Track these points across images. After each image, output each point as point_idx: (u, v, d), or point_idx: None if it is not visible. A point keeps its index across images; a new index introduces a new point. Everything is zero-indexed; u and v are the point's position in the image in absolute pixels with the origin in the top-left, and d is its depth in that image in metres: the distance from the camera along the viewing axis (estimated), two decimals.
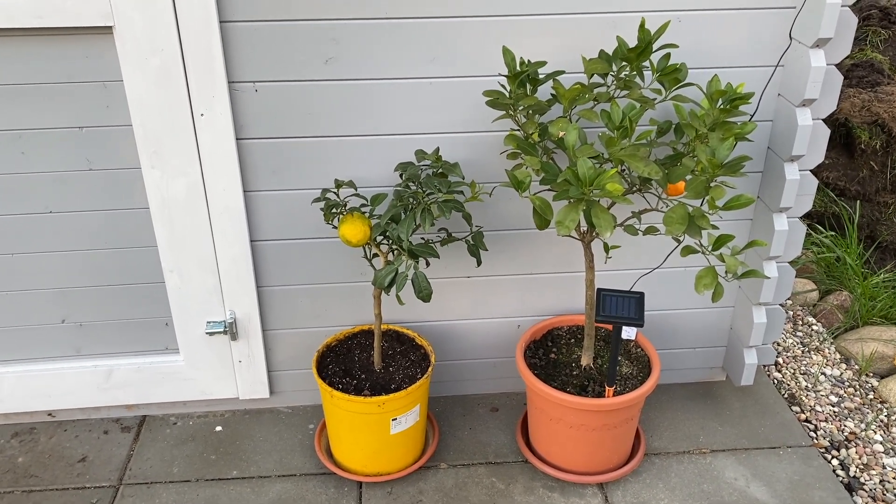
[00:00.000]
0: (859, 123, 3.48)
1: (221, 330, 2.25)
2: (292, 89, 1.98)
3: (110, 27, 1.86)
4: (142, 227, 2.15)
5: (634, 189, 1.80)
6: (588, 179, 1.52)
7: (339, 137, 2.06)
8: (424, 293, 1.80)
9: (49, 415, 2.42)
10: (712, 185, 1.64)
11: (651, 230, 1.77)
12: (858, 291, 2.98)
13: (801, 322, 2.96)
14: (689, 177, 1.69)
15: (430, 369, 2.11)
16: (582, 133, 1.71)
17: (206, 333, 2.25)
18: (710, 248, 1.71)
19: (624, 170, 1.76)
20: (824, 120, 2.12)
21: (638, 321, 1.82)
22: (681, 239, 1.65)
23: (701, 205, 1.68)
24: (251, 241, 2.17)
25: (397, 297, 1.80)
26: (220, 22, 1.88)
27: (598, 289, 1.88)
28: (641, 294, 1.87)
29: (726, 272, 1.70)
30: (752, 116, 2.04)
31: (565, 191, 1.53)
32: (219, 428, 2.40)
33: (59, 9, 1.81)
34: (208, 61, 1.91)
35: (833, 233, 3.24)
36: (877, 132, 3.41)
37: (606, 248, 1.65)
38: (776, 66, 1.99)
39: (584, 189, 1.52)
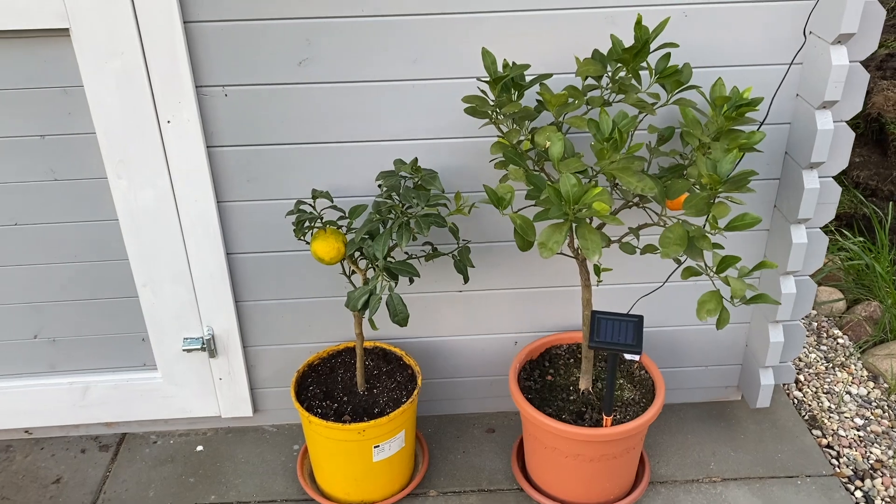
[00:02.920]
0: (894, 118, 3.24)
1: (199, 347, 2.13)
2: (265, 93, 1.84)
3: (66, 29, 1.73)
4: (113, 240, 2.03)
5: (631, 203, 1.63)
6: (572, 197, 1.36)
7: (316, 144, 1.92)
8: (400, 317, 1.66)
9: (26, 432, 2.33)
10: (715, 200, 1.47)
11: (650, 249, 1.61)
12: (889, 302, 2.77)
13: (825, 335, 2.77)
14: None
15: (415, 393, 1.97)
16: (568, 143, 1.54)
17: (184, 350, 2.13)
18: (713, 270, 1.54)
19: (618, 183, 1.60)
20: (852, 118, 1.92)
21: (635, 348, 1.66)
22: (681, 260, 1.48)
23: (704, 224, 1.50)
24: (227, 253, 2.04)
25: (370, 321, 1.66)
26: (184, 22, 1.75)
27: (593, 311, 1.72)
28: (640, 318, 1.70)
29: (732, 297, 1.53)
30: (763, 121, 1.85)
31: (548, 210, 1.37)
32: (200, 447, 2.29)
33: (10, 9, 1.69)
34: (173, 64, 1.77)
35: (862, 238, 3.02)
36: None
37: (597, 271, 1.49)
38: (790, 65, 1.80)
39: (568, 209, 1.36)
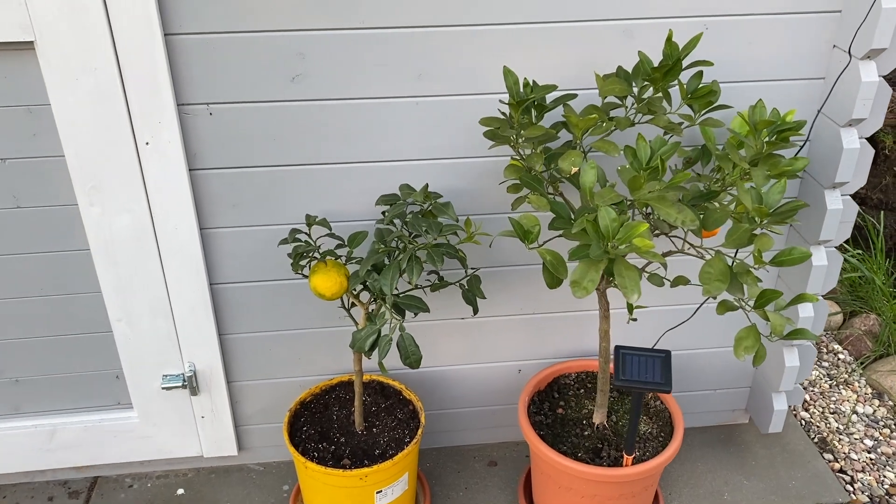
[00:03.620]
0: (883, 127, 3.20)
1: (180, 384, 1.96)
2: (253, 112, 1.68)
3: (31, 42, 1.55)
4: (84, 271, 1.85)
5: (657, 232, 1.52)
6: (611, 233, 1.24)
7: (309, 166, 1.76)
8: (413, 359, 1.52)
9: None
10: (757, 232, 1.36)
11: (681, 281, 1.49)
12: (888, 314, 2.71)
13: (825, 350, 2.70)
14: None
15: (419, 431, 1.83)
16: (600, 171, 1.42)
17: (163, 388, 1.96)
18: (751, 304, 1.43)
19: (649, 212, 1.48)
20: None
21: (665, 387, 1.55)
22: (716, 295, 1.37)
23: (745, 256, 1.39)
24: (210, 284, 1.88)
25: (380, 364, 1.51)
26: (165, 35, 1.58)
27: (617, 346, 1.60)
28: (667, 353, 1.59)
29: (771, 333, 1.42)
30: (803, 145, 1.75)
31: (585, 246, 1.25)
32: (181, 491, 2.11)
33: None
34: (153, 81, 1.60)
35: (860, 251, 2.97)
36: None
37: (630, 309, 1.37)
38: (834, 82, 1.70)
39: (608, 246, 1.23)
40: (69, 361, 1.97)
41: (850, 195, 1.89)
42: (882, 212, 3.14)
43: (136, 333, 1.90)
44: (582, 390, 1.99)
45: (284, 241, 1.68)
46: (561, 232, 1.41)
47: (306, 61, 1.64)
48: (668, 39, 1.43)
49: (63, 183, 1.73)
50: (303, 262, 1.64)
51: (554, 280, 1.39)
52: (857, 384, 2.54)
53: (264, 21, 1.59)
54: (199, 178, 1.75)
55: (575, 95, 1.53)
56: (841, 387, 2.53)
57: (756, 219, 1.31)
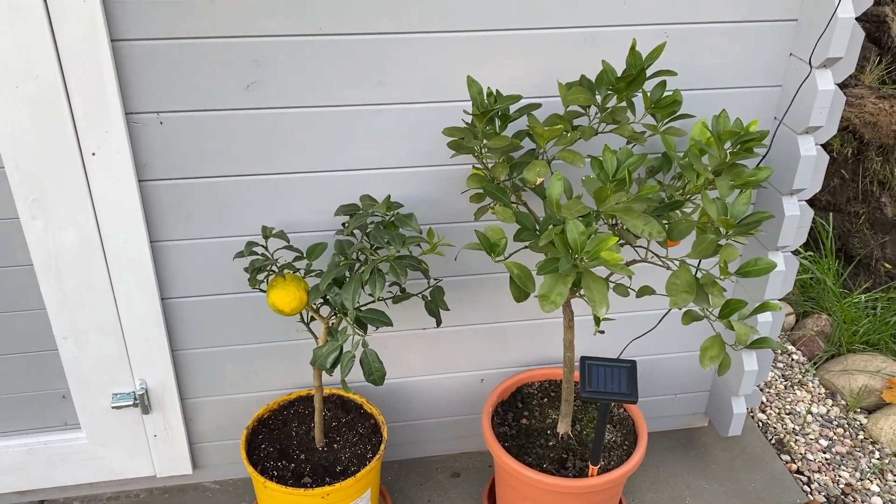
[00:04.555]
0: None
1: (130, 402, 1.88)
2: (206, 120, 1.62)
3: None
4: (26, 288, 1.76)
5: (622, 242, 1.50)
6: (580, 246, 1.22)
7: (264, 176, 1.70)
8: (377, 375, 1.48)
9: None
10: (722, 243, 1.36)
11: (646, 291, 1.48)
12: (838, 315, 2.77)
13: (780, 350, 2.74)
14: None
15: (381, 447, 1.79)
16: (567, 183, 1.40)
17: (113, 407, 1.88)
18: (715, 313, 1.43)
19: (615, 223, 1.46)
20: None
21: (631, 397, 1.54)
22: (682, 307, 1.36)
23: (712, 267, 1.39)
24: (162, 299, 1.80)
25: (343, 382, 1.47)
26: (112, 41, 1.51)
27: (583, 357, 1.59)
28: (633, 363, 1.58)
29: (736, 342, 1.42)
30: (765, 154, 1.76)
31: (554, 260, 1.22)
32: None
33: None
34: (98, 88, 1.53)
35: (811, 252, 3.03)
36: (848, 139, 3.21)
37: (598, 321, 1.36)
38: (797, 91, 1.72)
39: (577, 260, 1.21)
40: (11, 381, 1.88)
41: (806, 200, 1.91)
42: (831, 213, 3.21)
43: (84, 351, 1.82)
44: (545, 399, 1.98)
45: (240, 255, 1.63)
46: (527, 244, 1.38)
47: (261, 68, 1.59)
48: (632, 49, 1.42)
49: (3, 195, 1.64)
50: (260, 277, 1.59)
51: (522, 294, 1.37)
52: (810, 384, 2.58)
53: (217, 27, 1.53)
54: (149, 190, 1.67)
55: (539, 105, 1.51)
56: (795, 387, 2.57)
57: (721, 230, 1.31)
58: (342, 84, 1.62)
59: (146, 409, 1.92)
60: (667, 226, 1.40)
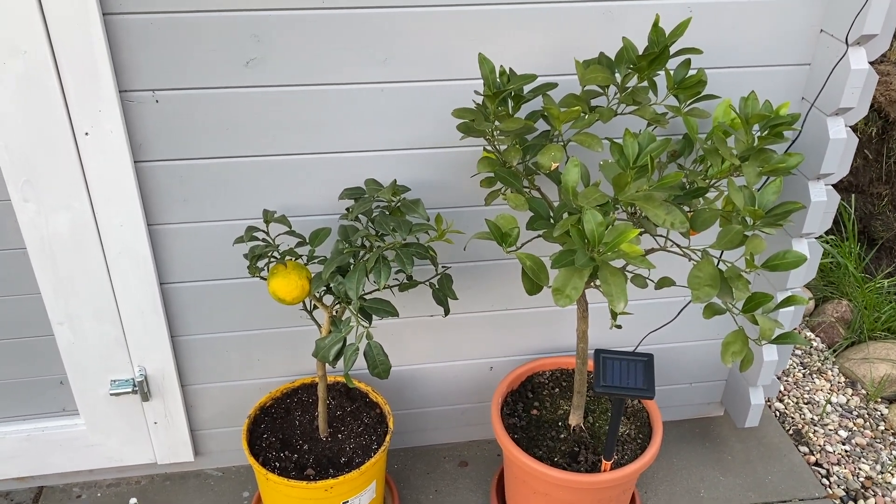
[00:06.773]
0: None
1: (129, 389, 1.83)
2: (204, 99, 1.54)
3: None
4: (20, 272, 1.70)
5: (641, 231, 1.42)
6: (598, 238, 1.14)
7: (265, 157, 1.63)
8: (381, 368, 1.41)
9: None
10: (748, 234, 1.28)
11: (666, 283, 1.41)
12: (859, 300, 2.68)
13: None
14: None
15: (387, 438, 1.73)
16: (584, 169, 1.32)
17: (111, 394, 1.83)
18: (739, 308, 1.36)
19: (633, 211, 1.38)
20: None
21: (647, 393, 1.47)
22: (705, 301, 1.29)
23: (737, 259, 1.31)
24: (161, 284, 1.74)
25: (346, 376, 1.40)
26: (104, 14, 1.43)
27: (597, 350, 1.52)
28: (650, 357, 1.51)
29: (760, 337, 1.35)
30: (795, 139, 1.67)
31: (570, 252, 1.15)
32: (133, 500, 1.99)
33: None
34: (91, 65, 1.45)
35: (832, 237, 2.93)
36: (873, 118, 3.09)
37: (614, 316, 1.29)
38: (831, 71, 1.62)
39: (594, 252, 1.14)
40: (7, 367, 1.83)
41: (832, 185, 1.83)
42: (853, 195, 3.11)
43: (80, 337, 1.76)
44: (557, 389, 1.91)
45: (240, 240, 1.56)
46: (540, 233, 1.31)
47: (262, 44, 1.50)
48: (655, 25, 1.33)
49: None
50: (260, 264, 1.52)
51: (534, 287, 1.29)
52: (830, 373, 2.51)
53: (215, 0, 1.44)
54: (145, 171, 1.60)
55: (555, 85, 1.42)
56: (814, 376, 2.50)
57: (748, 220, 1.23)
58: (346, 61, 1.54)
59: (146, 396, 1.86)
60: (690, 214, 1.32)
